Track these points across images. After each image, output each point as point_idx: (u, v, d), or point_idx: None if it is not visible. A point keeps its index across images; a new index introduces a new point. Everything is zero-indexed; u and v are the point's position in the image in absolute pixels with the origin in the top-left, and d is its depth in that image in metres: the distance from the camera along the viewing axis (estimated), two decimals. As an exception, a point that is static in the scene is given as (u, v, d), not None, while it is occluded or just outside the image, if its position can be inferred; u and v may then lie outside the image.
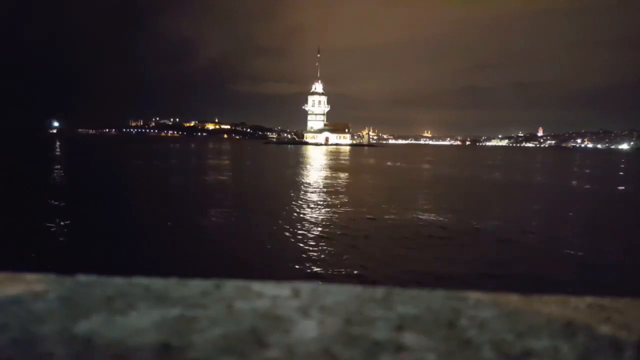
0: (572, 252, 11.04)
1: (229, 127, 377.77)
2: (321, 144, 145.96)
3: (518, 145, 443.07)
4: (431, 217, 15.46)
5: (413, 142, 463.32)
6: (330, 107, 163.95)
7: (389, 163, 54.70)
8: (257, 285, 0.73)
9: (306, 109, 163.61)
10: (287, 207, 16.89)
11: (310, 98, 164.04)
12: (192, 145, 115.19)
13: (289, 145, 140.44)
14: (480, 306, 0.68)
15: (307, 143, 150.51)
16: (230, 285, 0.73)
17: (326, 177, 31.09)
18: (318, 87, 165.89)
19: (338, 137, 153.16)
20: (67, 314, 0.61)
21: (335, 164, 47.75)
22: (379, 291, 0.72)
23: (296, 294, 0.70)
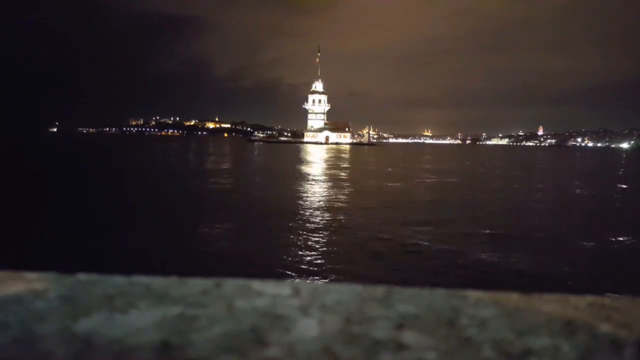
0: (572, 251, 11.04)
1: (229, 126, 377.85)
2: (321, 143, 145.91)
3: (518, 144, 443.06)
4: (431, 217, 15.46)
5: (413, 140, 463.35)
6: (331, 105, 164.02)
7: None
8: (257, 284, 0.73)
9: (306, 107, 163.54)
10: (287, 206, 16.88)
11: (311, 97, 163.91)
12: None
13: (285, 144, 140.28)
14: (480, 305, 0.68)
15: (299, 142, 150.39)
16: (231, 284, 0.73)
17: (325, 174, 31.08)
18: (318, 86, 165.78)
19: (338, 136, 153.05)
20: (68, 312, 0.61)
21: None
22: (379, 290, 0.72)
23: (296, 292, 0.70)
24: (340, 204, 17.77)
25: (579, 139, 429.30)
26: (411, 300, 0.69)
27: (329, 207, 16.87)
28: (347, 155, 67.36)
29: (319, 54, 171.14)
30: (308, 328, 0.58)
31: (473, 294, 0.72)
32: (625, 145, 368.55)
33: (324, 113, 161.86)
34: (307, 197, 19.89)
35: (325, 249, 10.71)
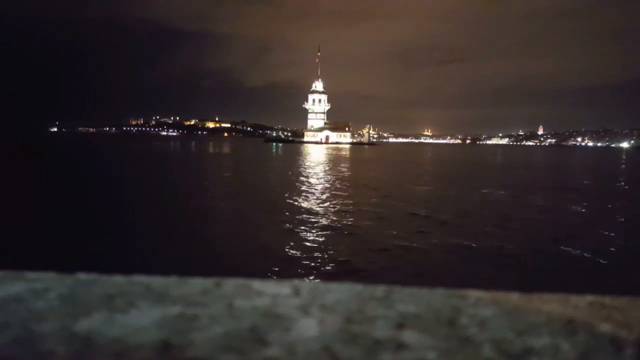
0: (572, 250, 11.04)
1: (229, 125, 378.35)
2: (322, 142, 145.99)
3: (518, 143, 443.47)
4: (431, 215, 15.45)
5: (413, 140, 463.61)
6: (331, 105, 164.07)
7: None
8: (257, 284, 0.73)
9: (306, 107, 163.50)
10: (287, 206, 16.89)
11: (311, 96, 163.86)
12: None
13: (280, 144, 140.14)
14: (480, 304, 0.68)
15: (300, 141, 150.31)
16: (231, 284, 0.73)
17: (326, 172, 31.07)
18: (318, 85, 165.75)
19: (338, 136, 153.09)
20: (68, 312, 0.61)
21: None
22: (380, 289, 0.72)
23: (296, 292, 0.70)
24: (340, 204, 17.77)
25: (579, 139, 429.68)
26: (411, 299, 0.69)
27: (329, 207, 16.87)
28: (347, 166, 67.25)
29: (319, 54, 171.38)
30: (308, 328, 0.58)
31: (473, 294, 0.72)
32: (625, 145, 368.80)
33: (324, 112, 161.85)
34: (308, 196, 19.89)
35: (325, 248, 10.71)
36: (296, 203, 17.63)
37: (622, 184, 32.00)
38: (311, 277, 8.50)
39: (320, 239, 11.59)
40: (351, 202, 18.44)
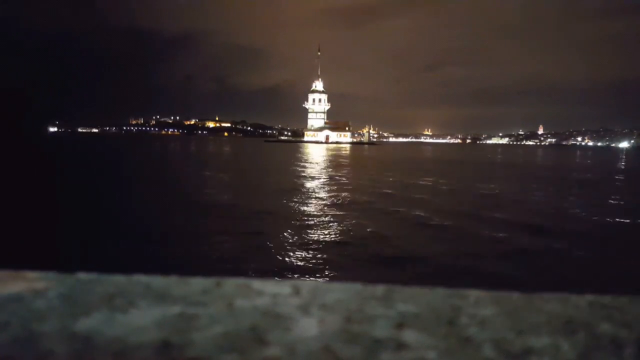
0: (572, 250, 11.03)
1: (229, 125, 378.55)
2: (322, 142, 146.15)
3: (518, 143, 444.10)
4: (430, 214, 15.45)
5: (413, 140, 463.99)
6: (331, 105, 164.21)
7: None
8: (257, 283, 0.73)
9: (306, 107, 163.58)
10: (287, 206, 16.88)
11: (311, 96, 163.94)
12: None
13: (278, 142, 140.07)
14: (480, 304, 0.68)
15: (300, 141, 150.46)
16: (231, 284, 0.73)
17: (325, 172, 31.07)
18: (318, 85, 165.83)
19: (338, 135, 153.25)
20: (68, 311, 0.61)
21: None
22: (380, 289, 0.73)
23: (296, 291, 0.71)
24: (340, 203, 17.76)
25: (579, 138, 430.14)
26: (411, 299, 0.69)
27: (329, 206, 16.87)
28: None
29: (319, 54, 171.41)
30: (308, 327, 0.58)
31: (473, 293, 0.72)
32: (625, 145, 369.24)
33: (324, 112, 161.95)
34: (308, 196, 19.88)
35: (325, 248, 10.71)
36: (296, 202, 17.62)
37: (621, 183, 31.99)
38: (311, 277, 8.50)
39: (321, 239, 11.59)
40: (352, 200, 18.44)
